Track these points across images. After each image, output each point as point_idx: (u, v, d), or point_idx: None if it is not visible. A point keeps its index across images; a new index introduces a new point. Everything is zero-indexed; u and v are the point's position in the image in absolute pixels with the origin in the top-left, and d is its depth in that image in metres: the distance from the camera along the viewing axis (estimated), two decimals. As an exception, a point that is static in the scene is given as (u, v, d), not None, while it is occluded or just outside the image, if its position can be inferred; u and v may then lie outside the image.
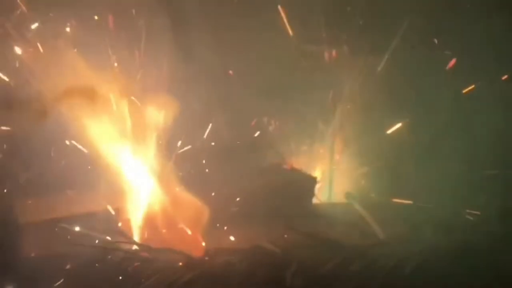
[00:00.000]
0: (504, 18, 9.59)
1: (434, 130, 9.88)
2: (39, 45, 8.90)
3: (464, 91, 9.93)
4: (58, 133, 8.90)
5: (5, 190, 8.79)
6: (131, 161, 8.98)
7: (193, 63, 10.12)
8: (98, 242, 8.15)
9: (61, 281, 7.40)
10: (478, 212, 9.04)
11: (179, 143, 9.72)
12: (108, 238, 8.27)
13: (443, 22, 9.93)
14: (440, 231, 8.54)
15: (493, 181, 9.43)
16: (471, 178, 9.54)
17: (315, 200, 10.36)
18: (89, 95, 8.50)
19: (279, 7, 10.31)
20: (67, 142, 9.12)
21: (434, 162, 9.86)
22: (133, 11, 9.71)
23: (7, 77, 8.90)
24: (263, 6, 10.19)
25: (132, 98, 9.06)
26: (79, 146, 9.03)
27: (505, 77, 9.83)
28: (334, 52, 10.79)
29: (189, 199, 8.91)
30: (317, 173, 10.91)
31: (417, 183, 9.68)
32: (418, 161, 9.93)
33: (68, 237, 8.17)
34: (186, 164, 9.71)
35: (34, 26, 8.97)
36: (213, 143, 10.28)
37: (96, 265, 7.68)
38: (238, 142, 10.39)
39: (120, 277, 7.52)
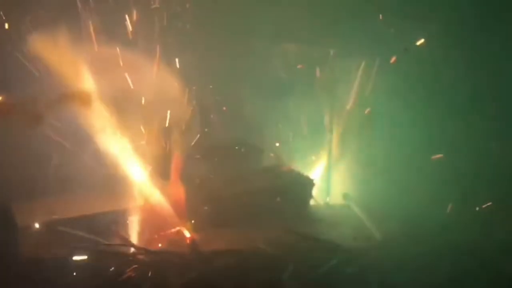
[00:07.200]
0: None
1: (431, 131, 9.89)
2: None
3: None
4: (56, 136, 8.93)
5: (4, 192, 8.78)
6: (130, 163, 9.01)
7: (195, 66, 10.15)
8: (96, 245, 8.15)
9: (60, 282, 7.39)
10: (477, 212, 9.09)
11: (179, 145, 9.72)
12: (107, 241, 8.28)
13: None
14: (439, 232, 8.56)
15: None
16: (470, 180, 9.57)
17: (313, 202, 10.37)
18: (87, 98, 8.54)
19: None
20: (65, 145, 9.13)
21: (432, 163, 9.89)
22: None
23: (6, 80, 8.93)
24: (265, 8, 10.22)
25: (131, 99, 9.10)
26: (78, 149, 9.04)
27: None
28: (333, 55, 10.82)
29: (187, 201, 8.97)
30: (315, 175, 10.92)
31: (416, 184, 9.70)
32: (416, 162, 9.93)
33: (66, 239, 8.15)
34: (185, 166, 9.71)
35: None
36: (212, 145, 10.30)
37: (95, 267, 7.68)
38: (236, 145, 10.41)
39: (119, 280, 7.51)
